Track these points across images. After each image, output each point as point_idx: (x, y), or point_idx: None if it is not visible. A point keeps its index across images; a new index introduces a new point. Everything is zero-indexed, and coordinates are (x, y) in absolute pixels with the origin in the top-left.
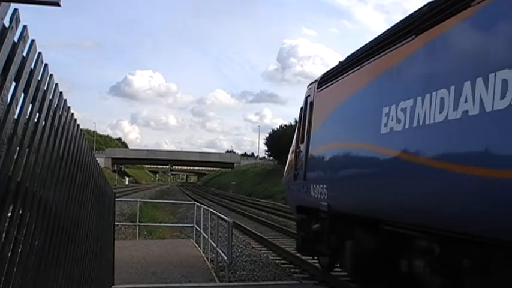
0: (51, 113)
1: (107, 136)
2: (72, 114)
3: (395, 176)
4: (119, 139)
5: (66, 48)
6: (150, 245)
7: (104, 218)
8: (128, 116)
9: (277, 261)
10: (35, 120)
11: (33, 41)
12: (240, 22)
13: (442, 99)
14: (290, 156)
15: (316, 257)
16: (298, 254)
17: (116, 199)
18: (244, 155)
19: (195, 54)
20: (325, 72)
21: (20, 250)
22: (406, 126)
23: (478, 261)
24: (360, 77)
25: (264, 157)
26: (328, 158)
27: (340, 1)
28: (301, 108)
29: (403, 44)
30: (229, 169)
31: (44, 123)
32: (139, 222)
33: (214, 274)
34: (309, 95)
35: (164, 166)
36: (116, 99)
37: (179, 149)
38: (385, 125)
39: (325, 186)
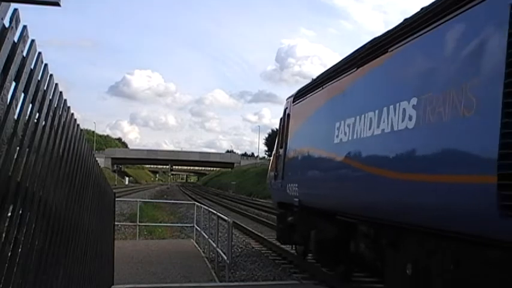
0: (51, 113)
1: (107, 136)
2: (72, 114)
3: (343, 178)
4: (119, 139)
5: (63, 48)
6: (150, 245)
7: (104, 218)
8: (127, 116)
9: (277, 261)
10: (35, 120)
11: (33, 41)
12: (238, 22)
13: (370, 119)
14: (272, 159)
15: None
16: (297, 253)
17: (116, 199)
18: (244, 155)
19: (193, 54)
20: (299, 89)
21: (20, 250)
22: (350, 138)
23: (392, 239)
24: (322, 96)
25: (264, 157)
26: (299, 162)
27: (338, 1)
28: (281, 119)
29: (349, 74)
30: (229, 169)
31: (44, 123)
32: (139, 222)
33: (214, 274)
34: (286, 107)
35: (164, 166)
36: (115, 99)
37: (179, 149)
38: (337, 136)
39: (297, 185)
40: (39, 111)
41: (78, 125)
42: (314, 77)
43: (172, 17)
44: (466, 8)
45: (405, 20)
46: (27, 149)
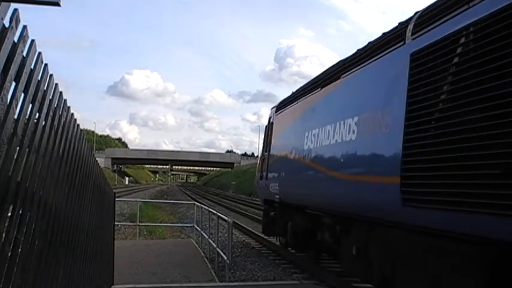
0: (51, 113)
1: (107, 136)
2: (72, 114)
3: (311, 178)
4: (119, 139)
5: (61, 47)
6: (150, 245)
7: (104, 217)
8: (126, 116)
9: (277, 261)
10: (35, 120)
11: (33, 41)
12: (237, 22)
13: (328, 131)
14: (259, 161)
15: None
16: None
17: (116, 199)
18: (244, 154)
19: (192, 53)
20: (281, 101)
21: (20, 250)
22: (314, 146)
23: (344, 228)
24: (297, 108)
25: None
26: (279, 164)
27: (336, 2)
28: (266, 126)
29: (316, 92)
30: (229, 169)
31: (44, 123)
32: (139, 222)
33: (214, 274)
34: (271, 116)
35: (164, 166)
36: (114, 99)
37: (179, 149)
38: (306, 143)
39: (277, 184)
40: (39, 111)
41: (78, 125)
42: (294, 91)
43: (170, 16)
44: (386, 52)
45: (357, 50)
46: (27, 149)
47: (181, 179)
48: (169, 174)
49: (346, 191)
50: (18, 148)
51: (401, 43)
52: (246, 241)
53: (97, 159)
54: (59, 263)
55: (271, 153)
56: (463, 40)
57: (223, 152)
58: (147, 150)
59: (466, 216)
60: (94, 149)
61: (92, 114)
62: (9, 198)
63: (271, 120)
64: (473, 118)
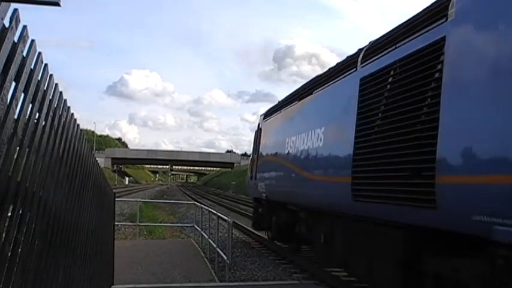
0: (51, 113)
1: (107, 136)
2: (72, 114)
3: (290, 178)
4: (119, 139)
5: (60, 47)
6: (150, 245)
7: (104, 217)
8: (125, 116)
9: (277, 261)
10: (35, 120)
11: (33, 41)
12: (237, 22)
13: (303, 138)
14: (250, 163)
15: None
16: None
17: (116, 199)
18: (245, 155)
19: (191, 53)
20: (268, 109)
21: (20, 250)
22: (293, 150)
23: (315, 220)
24: (280, 117)
25: None
26: (266, 166)
27: (335, 2)
28: (255, 131)
29: (294, 104)
30: (229, 169)
31: (44, 123)
32: (139, 222)
33: (214, 274)
34: (259, 122)
35: (164, 166)
36: (113, 99)
37: (179, 149)
38: (287, 148)
39: (264, 183)
40: (39, 111)
41: (78, 125)
42: (280, 100)
43: (170, 17)
44: (345, 75)
45: (329, 69)
46: (27, 149)
47: (181, 179)
48: (169, 174)
49: (316, 189)
50: (18, 148)
51: (354, 69)
52: (246, 241)
53: (97, 159)
54: (59, 263)
55: (259, 156)
56: (391, 72)
57: (223, 152)
58: (147, 150)
59: (394, 207)
60: (94, 149)
61: (91, 114)
62: (9, 198)
63: (259, 126)
64: (395, 133)
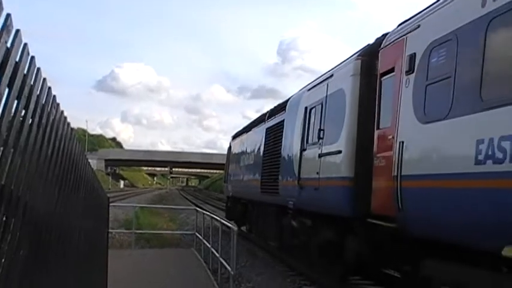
0: (38, 110)
1: (100, 135)
2: (62, 111)
3: (242, 181)
4: (113, 139)
5: (45, 39)
6: (147, 254)
7: (97, 224)
8: (117, 113)
9: (285, 272)
10: (21, 118)
11: (18, 31)
12: (238, 13)
13: (247, 157)
14: (224, 171)
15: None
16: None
17: (110, 204)
18: None
19: (188, 46)
20: (236, 132)
21: (3, 260)
22: (245, 164)
23: (253, 206)
24: (240, 140)
25: None
26: (231, 173)
27: None
28: (228, 147)
29: (245, 133)
30: None
31: (31, 121)
32: (135, 229)
33: (217, 286)
34: (230, 142)
35: (163, 168)
36: (102, 95)
37: (177, 150)
38: (242, 162)
39: (230, 186)
40: (26, 108)
41: (68, 124)
42: (245, 126)
43: (166, 6)
44: (260, 124)
45: (260, 115)
46: (12, 150)
47: (182, 182)
48: (169, 177)
49: (249, 187)
50: (2, 149)
51: (263, 123)
52: (252, 250)
53: (89, 160)
54: (47, 274)
55: (229, 165)
56: (273, 128)
57: (225, 152)
58: (144, 151)
59: (273, 197)
60: (86, 149)
61: (79, 111)
62: None
63: (230, 144)
64: (269, 164)
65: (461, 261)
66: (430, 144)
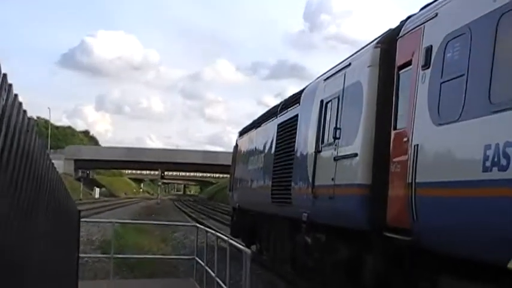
0: None
1: (68, 128)
2: (16, 95)
3: (252, 190)
4: (86, 132)
5: None
6: (131, 287)
7: (63, 247)
8: (91, 98)
9: None
10: None
11: None
12: None
13: (257, 158)
14: (230, 176)
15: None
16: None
17: (82, 219)
18: None
19: (183, 7)
20: (243, 128)
21: None
22: (254, 167)
23: (263, 218)
24: (248, 137)
25: None
26: (238, 179)
27: None
28: (234, 147)
29: (254, 130)
30: None
31: None
32: (114, 253)
33: None
34: (237, 139)
35: (152, 172)
36: (70, 74)
37: (171, 147)
38: (250, 165)
39: (236, 194)
40: None
41: (25, 112)
42: (254, 119)
43: None
44: (271, 119)
45: (267, 110)
46: None
47: (177, 190)
48: (160, 184)
49: (258, 196)
50: None
51: (275, 117)
52: (270, 279)
53: (53, 161)
54: None
55: (235, 170)
56: (285, 124)
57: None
58: (127, 149)
59: (286, 208)
60: (49, 147)
61: (38, 96)
62: None
63: (237, 142)
64: (281, 168)
65: (483, 280)
66: (443, 148)
